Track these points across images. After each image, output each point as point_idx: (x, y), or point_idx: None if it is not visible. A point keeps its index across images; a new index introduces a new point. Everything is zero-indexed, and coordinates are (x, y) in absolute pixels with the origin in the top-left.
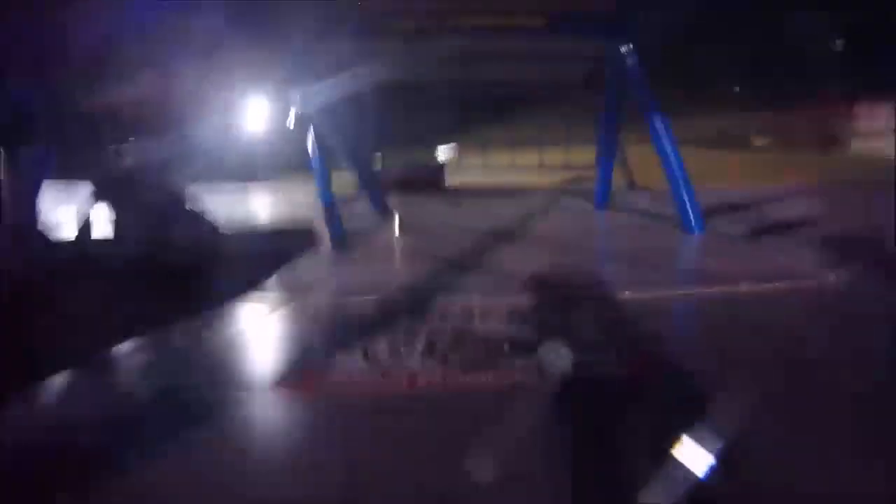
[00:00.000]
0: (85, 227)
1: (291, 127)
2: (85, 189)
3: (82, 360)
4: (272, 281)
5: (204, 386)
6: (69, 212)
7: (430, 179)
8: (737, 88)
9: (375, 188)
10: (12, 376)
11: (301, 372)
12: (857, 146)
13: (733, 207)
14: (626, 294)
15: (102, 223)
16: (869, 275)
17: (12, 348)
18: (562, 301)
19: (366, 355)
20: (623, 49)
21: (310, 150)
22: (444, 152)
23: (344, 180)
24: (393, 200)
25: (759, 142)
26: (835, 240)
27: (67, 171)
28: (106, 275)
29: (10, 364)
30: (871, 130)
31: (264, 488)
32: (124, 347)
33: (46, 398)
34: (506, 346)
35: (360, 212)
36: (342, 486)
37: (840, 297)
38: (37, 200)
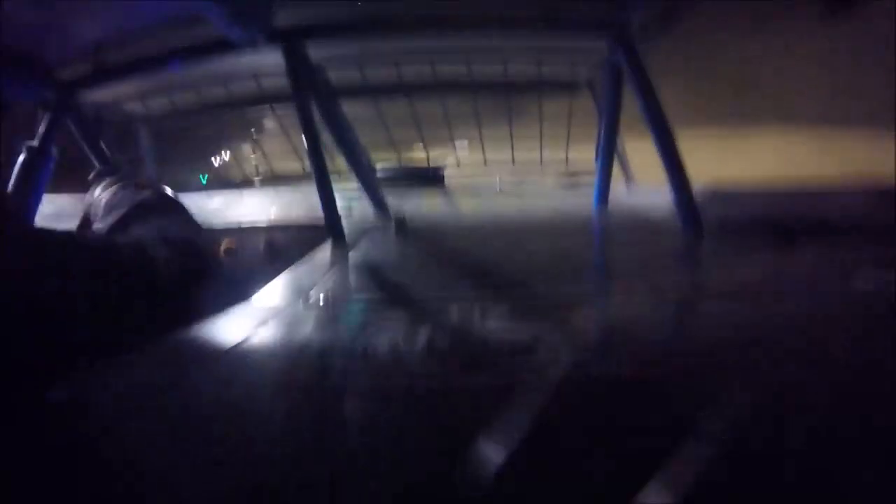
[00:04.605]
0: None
1: None
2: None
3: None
4: (271, 282)
5: (203, 384)
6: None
7: (429, 179)
8: None
9: (374, 187)
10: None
11: (300, 371)
12: None
13: (737, 207)
14: (626, 294)
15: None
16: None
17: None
18: (561, 301)
19: (364, 354)
20: (623, 48)
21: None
22: (443, 151)
23: (343, 179)
24: (392, 200)
25: None
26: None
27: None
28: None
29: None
30: None
31: (257, 482)
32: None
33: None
34: (506, 346)
35: (359, 211)
36: (337, 483)
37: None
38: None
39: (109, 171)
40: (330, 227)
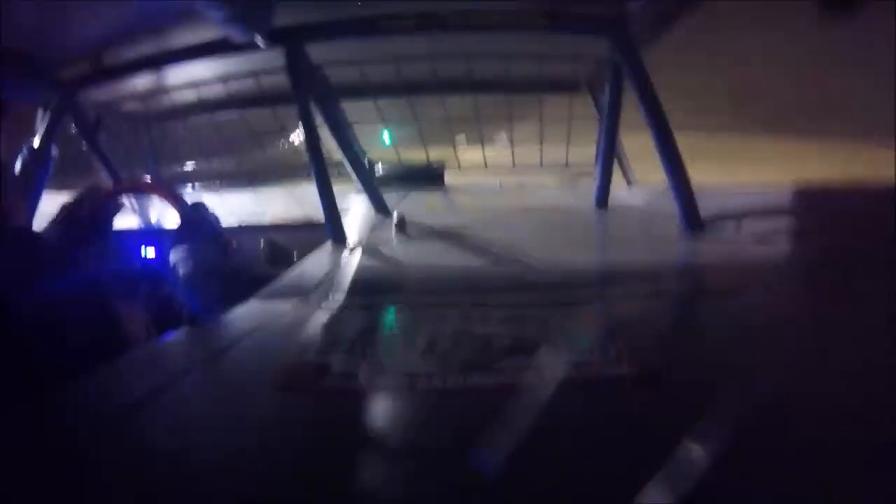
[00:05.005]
0: None
1: None
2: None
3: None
4: (269, 283)
5: (200, 385)
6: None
7: (428, 177)
8: None
9: (374, 186)
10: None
11: (298, 371)
12: None
13: (738, 206)
14: (626, 293)
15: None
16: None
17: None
18: (561, 300)
19: (364, 355)
20: (623, 48)
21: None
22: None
23: (343, 179)
24: (392, 199)
25: None
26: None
27: None
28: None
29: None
30: None
31: (255, 486)
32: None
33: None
34: (506, 346)
35: (358, 210)
36: (336, 485)
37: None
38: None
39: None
40: (330, 227)
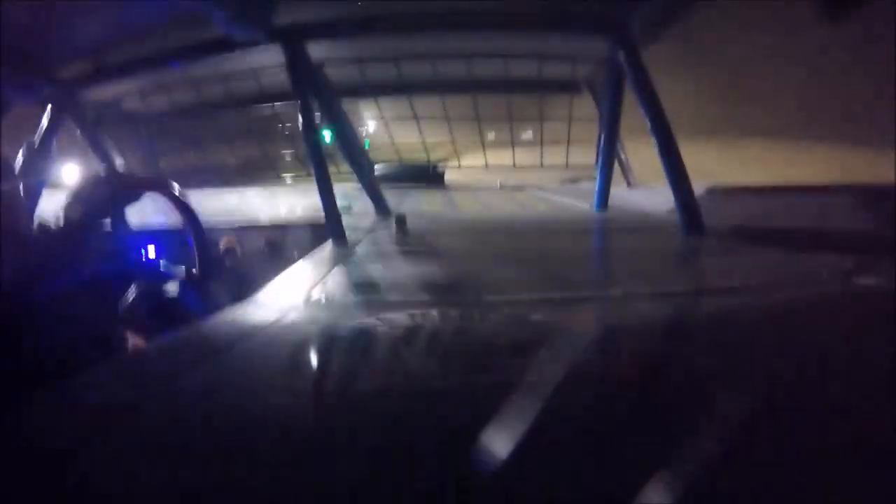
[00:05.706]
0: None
1: None
2: None
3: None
4: (269, 282)
5: (199, 384)
6: None
7: (429, 178)
8: None
9: (374, 186)
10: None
11: (297, 373)
12: None
13: (738, 207)
14: (627, 294)
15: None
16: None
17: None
18: (561, 300)
19: (364, 354)
20: (623, 48)
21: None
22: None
23: (343, 178)
24: (392, 198)
25: None
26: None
27: None
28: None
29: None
30: None
31: (254, 485)
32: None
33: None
34: (506, 346)
35: (359, 210)
36: (335, 484)
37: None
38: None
39: None
40: (330, 226)
